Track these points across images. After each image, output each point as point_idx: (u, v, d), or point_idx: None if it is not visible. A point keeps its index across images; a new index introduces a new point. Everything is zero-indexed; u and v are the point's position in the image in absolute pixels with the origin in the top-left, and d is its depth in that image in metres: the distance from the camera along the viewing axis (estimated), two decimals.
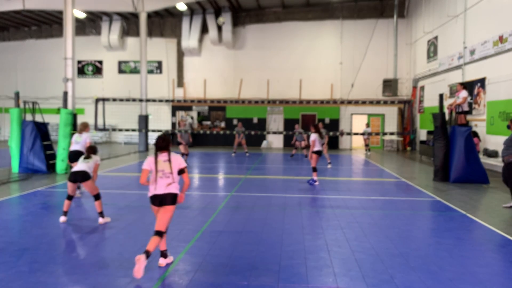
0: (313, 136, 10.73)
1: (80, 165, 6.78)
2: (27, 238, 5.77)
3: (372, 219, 7.09)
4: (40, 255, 5.05)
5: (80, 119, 12.89)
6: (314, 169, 10.77)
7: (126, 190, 9.70)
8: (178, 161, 4.69)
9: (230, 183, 10.95)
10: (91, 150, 7.09)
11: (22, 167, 12.24)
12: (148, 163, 4.66)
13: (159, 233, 4.52)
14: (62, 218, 6.73)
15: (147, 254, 4.32)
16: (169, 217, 4.62)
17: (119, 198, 8.75)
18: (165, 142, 4.67)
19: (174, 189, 4.63)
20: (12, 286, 4.12)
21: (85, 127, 9.08)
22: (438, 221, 7.13)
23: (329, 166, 14.79)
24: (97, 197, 6.74)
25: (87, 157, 6.93)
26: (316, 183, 10.68)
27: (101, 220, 6.66)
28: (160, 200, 4.60)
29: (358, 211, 7.71)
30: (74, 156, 8.58)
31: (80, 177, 6.67)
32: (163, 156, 4.64)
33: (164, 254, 4.77)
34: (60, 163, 12.51)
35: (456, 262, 4.96)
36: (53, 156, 12.79)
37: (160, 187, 4.58)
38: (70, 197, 6.80)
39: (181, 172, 4.68)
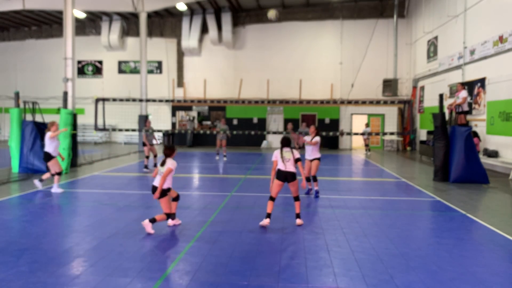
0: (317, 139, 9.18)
1: (156, 179, 6.06)
2: (27, 238, 5.77)
3: (372, 219, 7.09)
4: (40, 255, 5.05)
5: (80, 119, 12.89)
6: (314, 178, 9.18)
7: (126, 190, 9.70)
8: (295, 153, 6.57)
9: (230, 183, 10.95)
10: (168, 151, 6.06)
11: (22, 167, 12.24)
12: (275, 155, 6.58)
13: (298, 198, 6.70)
14: (147, 225, 5.99)
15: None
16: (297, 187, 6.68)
17: (119, 198, 8.75)
18: (288, 141, 6.67)
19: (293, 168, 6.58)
20: (12, 286, 4.12)
21: (51, 125, 9.30)
22: (438, 221, 7.13)
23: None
24: (168, 216, 6.10)
25: (162, 164, 6.02)
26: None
27: (170, 221, 6.31)
28: (285, 176, 6.45)
29: (358, 211, 7.71)
30: (44, 156, 9.45)
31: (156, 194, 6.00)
32: (286, 149, 6.58)
33: (298, 215, 6.67)
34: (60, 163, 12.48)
35: (456, 262, 4.96)
36: None
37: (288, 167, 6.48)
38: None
39: (297, 160, 6.55)
